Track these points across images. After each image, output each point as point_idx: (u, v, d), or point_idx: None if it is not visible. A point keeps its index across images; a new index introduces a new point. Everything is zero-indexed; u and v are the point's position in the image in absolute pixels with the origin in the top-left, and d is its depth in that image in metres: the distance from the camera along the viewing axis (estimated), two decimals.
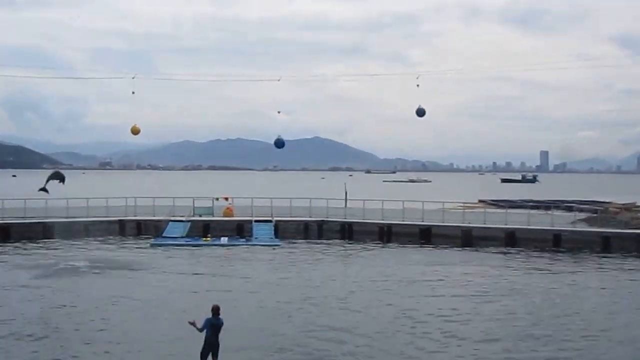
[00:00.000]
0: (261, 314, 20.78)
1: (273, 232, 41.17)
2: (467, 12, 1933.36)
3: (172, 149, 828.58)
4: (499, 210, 49.27)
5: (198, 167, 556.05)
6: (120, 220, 43.42)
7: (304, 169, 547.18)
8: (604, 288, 26.47)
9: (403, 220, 42.77)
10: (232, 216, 44.63)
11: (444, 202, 47.74)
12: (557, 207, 51.99)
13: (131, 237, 41.50)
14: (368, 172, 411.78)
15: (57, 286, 25.02)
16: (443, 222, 42.12)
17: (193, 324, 13.79)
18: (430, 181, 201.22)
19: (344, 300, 23.02)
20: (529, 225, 40.34)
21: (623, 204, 53.34)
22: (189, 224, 42.23)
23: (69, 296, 23.23)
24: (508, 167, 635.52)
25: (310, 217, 44.67)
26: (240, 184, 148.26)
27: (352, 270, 30.64)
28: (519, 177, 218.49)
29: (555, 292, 25.25)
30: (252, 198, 47.13)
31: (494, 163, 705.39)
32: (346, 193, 48.76)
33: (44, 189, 33.94)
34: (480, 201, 70.56)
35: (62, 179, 33.46)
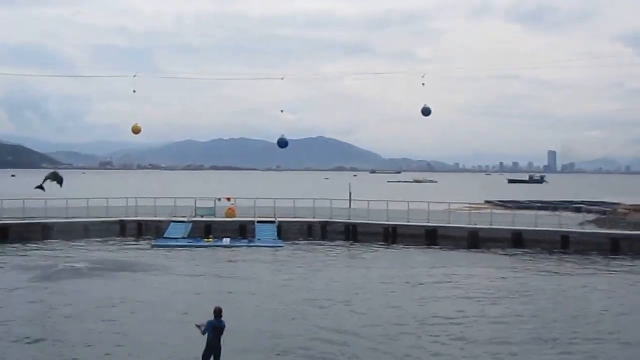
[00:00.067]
0: (264, 316, 20.63)
1: (276, 233, 41.02)
2: (474, 10, 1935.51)
3: (173, 148, 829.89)
4: (505, 211, 49.75)
5: (200, 167, 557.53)
6: (120, 221, 43.23)
7: (307, 169, 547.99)
8: (612, 290, 26.25)
9: (408, 221, 42.51)
10: (235, 217, 44.39)
11: (449, 203, 47.60)
12: (565, 208, 51.84)
13: (132, 238, 41.42)
14: (373, 172, 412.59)
15: (56, 288, 24.87)
16: (449, 223, 41.91)
17: (199, 327, 13.75)
18: (435, 181, 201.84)
19: (348, 303, 22.84)
20: (536, 227, 40.09)
21: (632, 205, 52.87)
22: (191, 224, 42.03)
23: (68, 298, 23.07)
24: (515, 167, 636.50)
25: (313, 217, 44.44)
26: (243, 184, 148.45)
27: (356, 272, 30.32)
28: (526, 178, 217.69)
29: (563, 295, 25.14)
30: (254, 198, 46.95)
31: (501, 163, 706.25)
32: (350, 193, 48.56)
33: (40, 187, 33.74)
34: (487, 202, 70.69)
35: (60, 181, 32.99)
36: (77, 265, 29.61)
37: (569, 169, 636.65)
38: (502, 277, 28.66)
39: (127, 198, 45.79)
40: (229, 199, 47.38)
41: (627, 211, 47.71)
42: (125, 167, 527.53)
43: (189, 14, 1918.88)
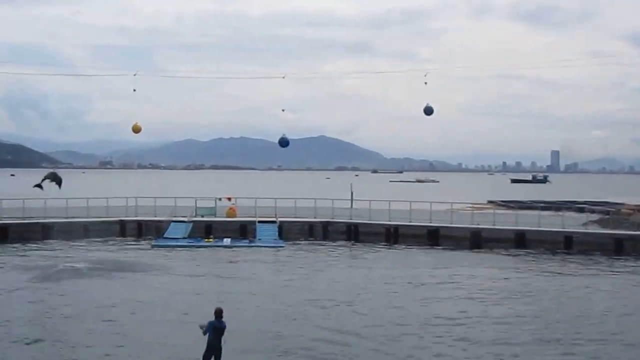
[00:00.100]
0: (265, 317, 20.53)
1: (277, 233, 40.86)
2: (477, 9, 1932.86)
3: (174, 147, 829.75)
4: (508, 211, 49.58)
5: (200, 167, 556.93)
6: (120, 221, 43.05)
7: (308, 169, 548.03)
8: (616, 291, 26.13)
9: (410, 222, 42.31)
10: (235, 217, 44.21)
11: (452, 203, 47.52)
12: (569, 208, 51.71)
13: (132, 238, 41.28)
14: (375, 171, 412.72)
15: (56, 288, 24.70)
16: (451, 224, 41.71)
17: (202, 327, 13.72)
18: (438, 181, 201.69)
19: (350, 303, 22.74)
20: (539, 227, 39.85)
21: (636, 205, 52.58)
22: (191, 224, 41.87)
23: (68, 298, 22.96)
24: (518, 167, 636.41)
25: (315, 217, 44.25)
26: (244, 183, 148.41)
27: (358, 273, 30.17)
28: (529, 178, 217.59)
29: (566, 295, 25.02)
30: (255, 198, 46.95)
31: (504, 163, 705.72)
32: (352, 193, 48.39)
33: (39, 186, 33.67)
34: (490, 202, 70.58)
35: (59, 182, 32.82)
36: (77, 265, 29.50)
37: (572, 169, 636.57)
38: (505, 278, 28.53)
39: (127, 198, 45.65)
40: (229, 199, 47.25)
41: (631, 211, 47.43)
42: (126, 166, 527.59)
43: (189, 13, 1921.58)
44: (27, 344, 17.17)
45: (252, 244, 38.41)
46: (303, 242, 40.55)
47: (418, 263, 32.81)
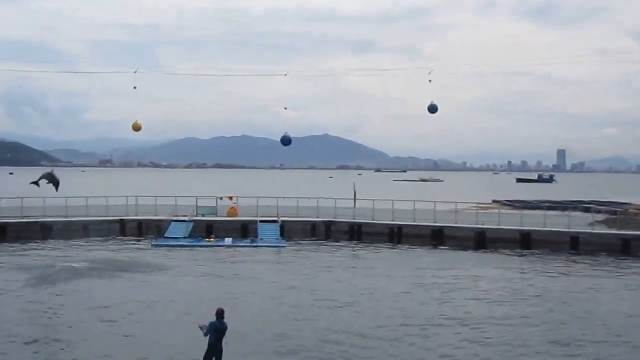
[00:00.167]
0: (267, 318, 20.43)
1: (279, 233, 40.74)
2: (483, 5, 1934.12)
3: (175, 146, 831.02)
4: (514, 212, 49.53)
5: (202, 165, 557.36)
6: (121, 220, 42.95)
7: (311, 168, 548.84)
8: (622, 292, 26.20)
9: (414, 222, 42.11)
10: (237, 216, 44.06)
11: (456, 203, 47.01)
12: (575, 209, 51.08)
13: (132, 238, 41.17)
14: (378, 171, 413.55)
15: (55, 288, 24.75)
16: (456, 224, 41.49)
17: (202, 328, 13.67)
18: (442, 181, 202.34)
19: (353, 304, 22.66)
20: (545, 227, 39.57)
21: None
22: (192, 224, 41.76)
23: (68, 298, 22.88)
24: (524, 167, 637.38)
25: (317, 217, 44.07)
26: (245, 182, 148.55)
27: (361, 273, 29.97)
28: (535, 177, 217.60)
29: (572, 297, 24.91)
30: (257, 197, 46.73)
31: (509, 162, 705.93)
32: (355, 193, 48.14)
33: (36, 183, 33.47)
34: (495, 202, 70.29)
35: (56, 184, 32.51)
36: (77, 265, 29.62)
37: (578, 168, 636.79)
38: (510, 279, 28.39)
39: (127, 197, 45.57)
40: (231, 198, 47.09)
41: (638, 212, 47.09)
42: (126, 165, 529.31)
43: (191, 8, 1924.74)
44: (27, 343, 17.12)
45: (254, 244, 38.24)
46: (305, 242, 40.37)
47: (422, 263, 32.67)
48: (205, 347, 13.62)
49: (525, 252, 36.74)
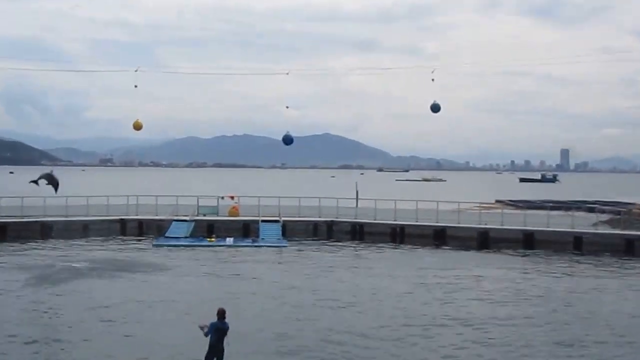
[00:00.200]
0: (268, 318, 20.38)
1: (280, 233, 40.61)
2: (485, 3, 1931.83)
3: (175, 145, 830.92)
4: (517, 211, 49.49)
5: (203, 165, 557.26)
6: (121, 220, 42.81)
7: (313, 167, 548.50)
8: (626, 292, 26.05)
9: (416, 221, 41.96)
10: (238, 216, 43.92)
11: (459, 203, 47.13)
12: (578, 208, 51.04)
13: (133, 237, 41.00)
14: (380, 170, 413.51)
15: (55, 288, 24.61)
16: (458, 223, 41.40)
17: (202, 328, 13.61)
18: (445, 180, 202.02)
19: (355, 304, 22.59)
20: (548, 227, 39.43)
21: None
22: (193, 223, 41.66)
23: (68, 298, 22.81)
24: (527, 166, 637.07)
25: (319, 217, 43.98)
26: (247, 182, 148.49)
27: (363, 273, 29.84)
28: (538, 177, 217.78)
29: (575, 297, 24.85)
30: (258, 197, 46.64)
31: (512, 161, 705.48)
32: (357, 192, 48.02)
33: (35, 182, 33.34)
34: (498, 201, 70.09)
35: (55, 185, 32.33)
36: (77, 265, 29.50)
37: (582, 167, 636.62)
38: (513, 279, 28.28)
39: (128, 196, 45.42)
40: (232, 198, 46.92)
41: None
42: (126, 164, 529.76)
43: (191, 7, 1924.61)
44: (26, 343, 17.07)
45: (255, 244, 38.13)
46: (307, 242, 40.24)
47: (424, 263, 32.55)
48: (206, 347, 13.54)
49: (528, 252, 36.62)
